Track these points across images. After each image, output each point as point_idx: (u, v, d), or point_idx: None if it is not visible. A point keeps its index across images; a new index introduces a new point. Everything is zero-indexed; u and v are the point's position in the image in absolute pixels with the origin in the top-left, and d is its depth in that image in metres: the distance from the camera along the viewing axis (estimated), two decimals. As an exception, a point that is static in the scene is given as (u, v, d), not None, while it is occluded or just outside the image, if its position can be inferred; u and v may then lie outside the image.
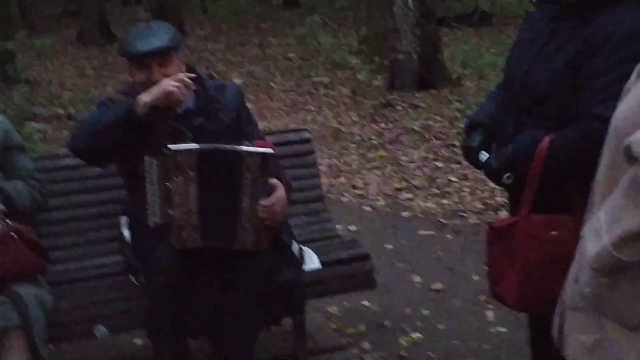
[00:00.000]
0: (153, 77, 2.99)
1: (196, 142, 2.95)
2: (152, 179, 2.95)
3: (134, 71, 3.06)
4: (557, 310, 2.07)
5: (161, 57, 3.01)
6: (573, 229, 2.30)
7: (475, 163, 2.69)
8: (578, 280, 1.90)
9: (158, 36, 3.02)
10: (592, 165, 1.99)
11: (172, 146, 2.90)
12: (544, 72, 2.48)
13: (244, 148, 2.92)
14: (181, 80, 2.97)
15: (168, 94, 2.95)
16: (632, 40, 2.34)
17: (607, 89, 2.30)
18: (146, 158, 2.96)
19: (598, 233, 1.77)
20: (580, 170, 2.32)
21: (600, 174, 1.90)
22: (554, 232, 2.43)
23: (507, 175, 2.54)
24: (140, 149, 2.97)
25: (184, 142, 2.95)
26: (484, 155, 2.64)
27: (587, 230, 1.86)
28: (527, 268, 2.47)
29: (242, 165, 2.90)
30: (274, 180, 2.98)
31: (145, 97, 2.94)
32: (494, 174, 2.61)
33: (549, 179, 2.44)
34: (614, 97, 1.98)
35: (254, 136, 3.16)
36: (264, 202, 2.94)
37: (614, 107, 1.91)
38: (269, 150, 2.95)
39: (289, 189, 3.09)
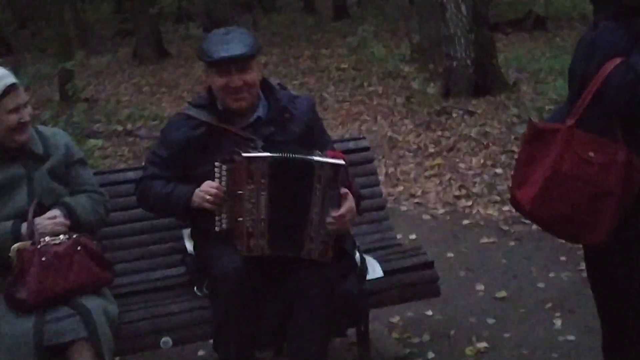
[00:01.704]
0: (233, 83, 3.02)
1: (266, 151, 2.95)
2: (222, 185, 2.96)
3: (214, 76, 3.08)
4: None
5: (241, 63, 3.02)
6: (611, 156, 2.41)
7: None
8: None
9: (238, 43, 3.04)
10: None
11: (245, 153, 2.90)
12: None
13: (316, 158, 2.91)
14: (215, 196, 2.96)
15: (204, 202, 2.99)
16: None
17: None
18: (217, 164, 2.98)
19: None
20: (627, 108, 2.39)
21: None
22: (591, 153, 2.45)
23: None
24: (208, 155, 3.00)
25: (255, 150, 2.96)
26: None
27: None
28: (555, 176, 2.48)
29: (314, 176, 2.89)
30: (344, 191, 2.96)
31: (195, 199, 3.00)
32: None
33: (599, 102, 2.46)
34: None
35: (327, 147, 3.14)
36: (333, 213, 2.92)
37: None
38: (340, 161, 2.93)
39: (358, 199, 3.06)
